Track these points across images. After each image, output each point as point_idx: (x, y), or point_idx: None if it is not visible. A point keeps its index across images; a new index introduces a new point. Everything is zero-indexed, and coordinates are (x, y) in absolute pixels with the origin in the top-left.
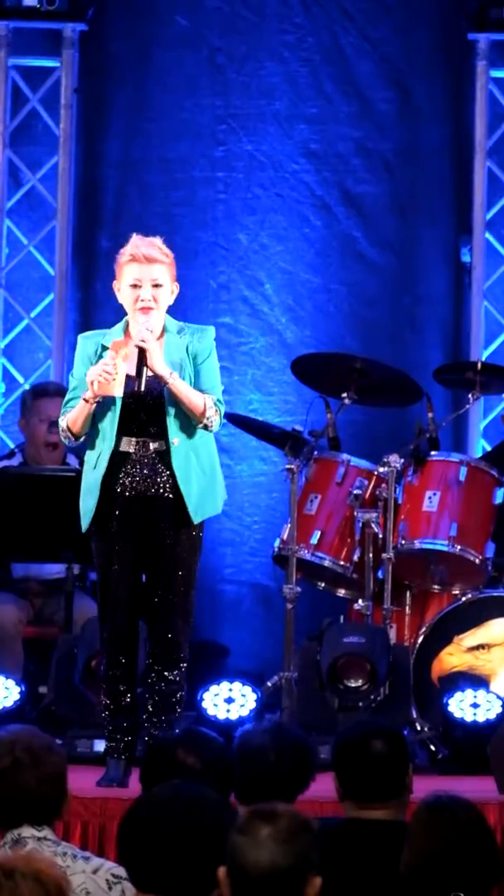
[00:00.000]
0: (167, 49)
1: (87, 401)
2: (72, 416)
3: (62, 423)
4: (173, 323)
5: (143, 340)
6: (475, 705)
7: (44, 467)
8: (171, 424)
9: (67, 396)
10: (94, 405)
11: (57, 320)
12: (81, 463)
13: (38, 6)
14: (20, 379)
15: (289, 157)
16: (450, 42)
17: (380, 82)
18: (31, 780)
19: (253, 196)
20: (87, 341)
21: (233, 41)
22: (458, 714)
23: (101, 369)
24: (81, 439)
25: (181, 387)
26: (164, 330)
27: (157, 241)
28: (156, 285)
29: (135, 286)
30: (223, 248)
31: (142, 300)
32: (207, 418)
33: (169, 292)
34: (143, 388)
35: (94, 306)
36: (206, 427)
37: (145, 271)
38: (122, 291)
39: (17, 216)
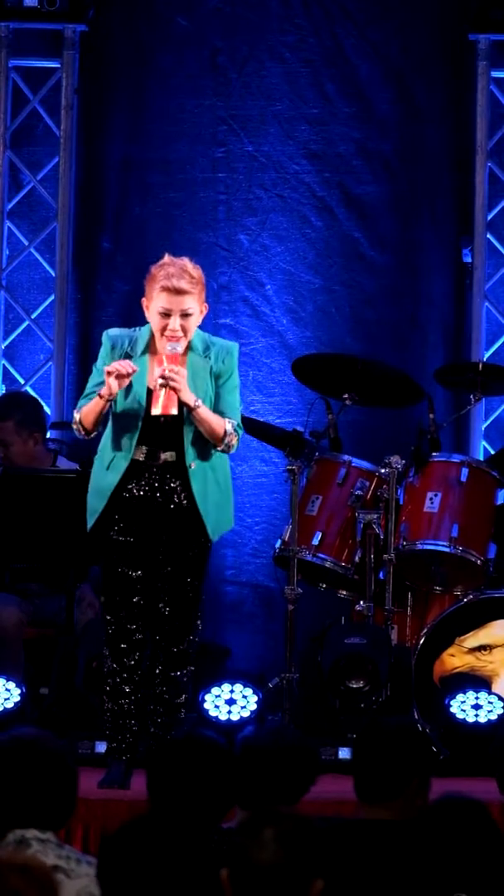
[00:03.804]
0: (168, 50)
1: (101, 397)
2: (86, 411)
3: (76, 415)
4: (200, 338)
5: (171, 379)
6: (477, 706)
7: (45, 468)
8: (189, 446)
9: (87, 390)
10: (109, 403)
11: (57, 321)
12: (83, 465)
13: (39, 7)
14: (20, 380)
15: (290, 157)
16: (451, 43)
17: (381, 83)
18: (52, 785)
19: (254, 197)
20: (113, 343)
21: (234, 42)
22: (459, 715)
23: (119, 365)
24: (94, 435)
25: (204, 415)
26: (190, 347)
27: (188, 265)
28: (185, 315)
29: (164, 314)
30: (224, 249)
31: (170, 330)
32: (225, 444)
33: (198, 317)
34: (170, 419)
35: (95, 307)
36: (223, 451)
37: (176, 302)
38: (151, 314)
39: (17, 217)
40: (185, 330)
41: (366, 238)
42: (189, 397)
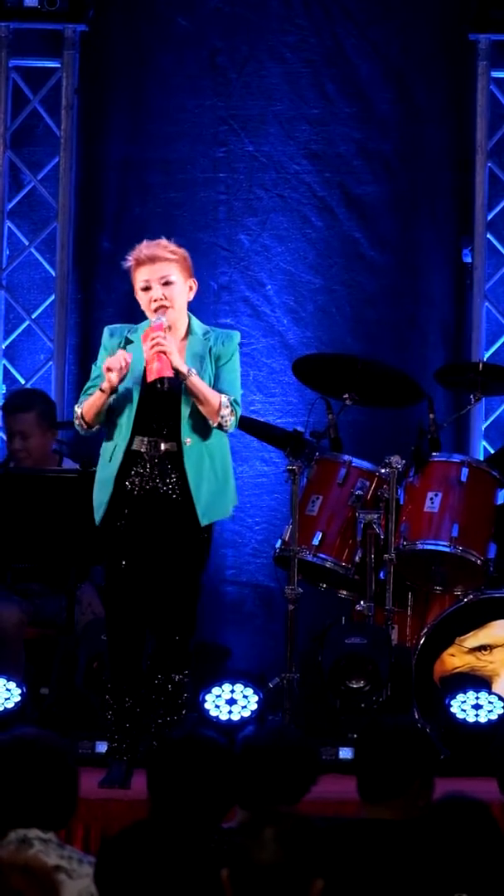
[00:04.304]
0: (168, 50)
1: (103, 391)
2: (87, 405)
3: (77, 410)
4: (200, 326)
5: (158, 343)
6: (477, 706)
7: (46, 469)
8: (185, 425)
9: (87, 385)
10: (111, 397)
11: (58, 321)
12: (83, 465)
13: (39, 7)
14: (21, 380)
15: (290, 158)
16: (451, 42)
17: (381, 83)
18: (53, 785)
19: (254, 197)
20: (112, 333)
21: (234, 42)
22: (460, 715)
23: (120, 358)
24: (95, 429)
25: (198, 383)
26: (190, 331)
27: (165, 241)
28: (166, 283)
29: (146, 289)
30: (224, 250)
31: (154, 300)
32: (222, 417)
33: (184, 289)
34: (166, 387)
35: (95, 307)
36: (220, 427)
37: (152, 271)
38: (139, 297)
39: (18, 217)
40: (169, 299)
41: (366, 238)
42: (181, 364)
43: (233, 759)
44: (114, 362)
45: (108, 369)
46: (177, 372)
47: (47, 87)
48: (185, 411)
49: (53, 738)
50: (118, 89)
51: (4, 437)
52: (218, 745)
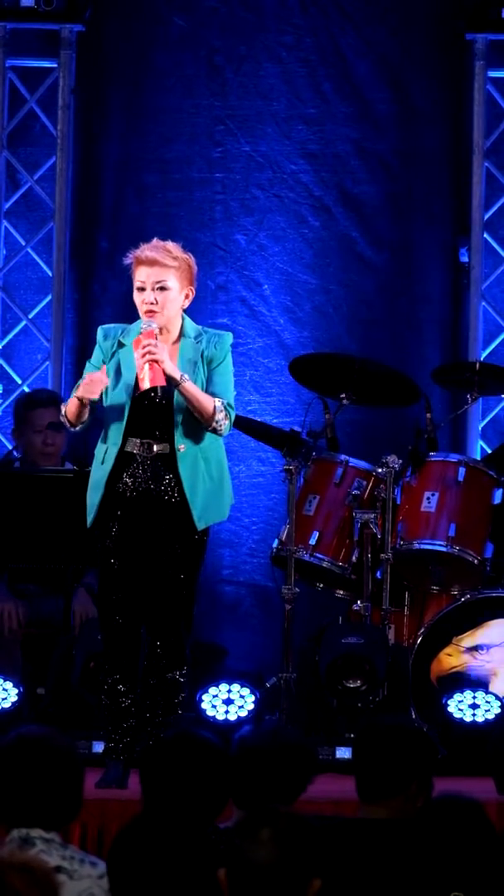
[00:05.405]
0: (165, 50)
1: (79, 399)
2: (68, 407)
3: (63, 408)
4: (192, 327)
5: (149, 351)
6: (474, 706)
7: (42, 468)
8: (178, 430)
9: (77, 382)
10: (87, 406)
11: (55, 321)
12: (80, 466)
13: (36, 7)
14: (18, 380)
15: (287, 157)
16: (448, 42)
17: (378, 83)
18: (59, 782)
19: (251, 197)
20: (106, 334)
21: (231, 42)
22: (457, 715)
23: (90, 383)
24: (80, 428)
25: (191, 389)
26: (182, 334)
27: (170, 244)
28: (161, 288)
29: (140, 289)
30: (221, 249)
31: (144, 303)
32: (216, 422)
33: (179, 296)
34: (159, 395)
35: (93, 307)
36: (214, 431)
37: (148, 274)
38: (134, 295)
39: (14, 217)
40: (160, 304)
41: (363, 238)
42: (174, 371)
43: (225, 758)
44: (87, 392)
45: (82, 396)
46: (169, 379)
47: (44, 87)
48: (178, 417)
49: (59, 737)
50: (115, 89)
51: (25, 433)
52: (210, 743)
